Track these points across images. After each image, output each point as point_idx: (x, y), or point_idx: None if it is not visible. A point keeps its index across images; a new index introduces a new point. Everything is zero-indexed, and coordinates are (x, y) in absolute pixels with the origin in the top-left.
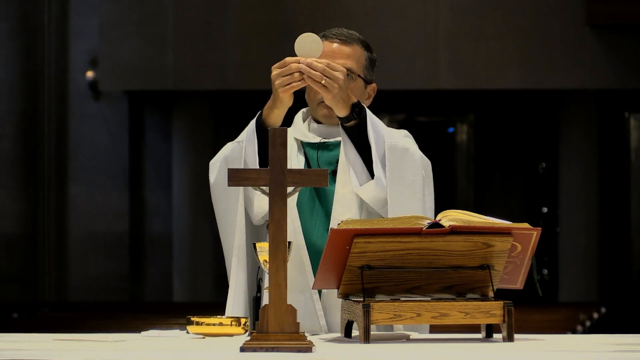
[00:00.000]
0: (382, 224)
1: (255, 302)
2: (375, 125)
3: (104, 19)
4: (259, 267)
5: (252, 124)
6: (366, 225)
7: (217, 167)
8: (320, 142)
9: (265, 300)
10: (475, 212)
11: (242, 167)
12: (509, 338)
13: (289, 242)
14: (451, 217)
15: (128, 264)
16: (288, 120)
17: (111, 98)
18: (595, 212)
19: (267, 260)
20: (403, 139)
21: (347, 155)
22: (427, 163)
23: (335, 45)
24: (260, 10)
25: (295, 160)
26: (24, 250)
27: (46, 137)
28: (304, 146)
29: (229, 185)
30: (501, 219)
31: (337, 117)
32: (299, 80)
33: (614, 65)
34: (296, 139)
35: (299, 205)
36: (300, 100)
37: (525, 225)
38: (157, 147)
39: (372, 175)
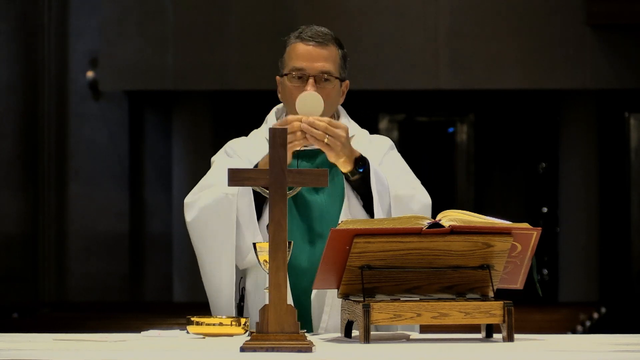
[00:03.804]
0: (382, 224)
1: (238, 310)
2: (379, 177)
3: (104, 19)
4: (241, 277)
5: None
6: (366, 225)
7: (196, 210)
8: (301, 150)
9: (253, 306)
10: (475, 212)
11: (232, 221)
12: (509, 338)
13: (289, 242)
14: (451, 217)
15: (128, 264)
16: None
17: (111, 98)
18: (595, 212)
19: (267, 260)
20: (408, 187)
21: (352, 210)
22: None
23: (311, 47)
24: (260, 10)
25: None
26: (24, 250)
27: (46, 137)
28: None
29: (229, 185)
30: (501, 219)
31: (341, 172)
32: (301, 139)
33: (614, 65)
34: None
35: None
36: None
37: (525, 225)
38: (157, 147)
39: None
